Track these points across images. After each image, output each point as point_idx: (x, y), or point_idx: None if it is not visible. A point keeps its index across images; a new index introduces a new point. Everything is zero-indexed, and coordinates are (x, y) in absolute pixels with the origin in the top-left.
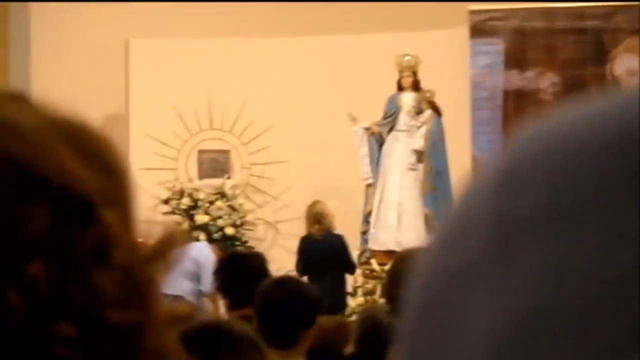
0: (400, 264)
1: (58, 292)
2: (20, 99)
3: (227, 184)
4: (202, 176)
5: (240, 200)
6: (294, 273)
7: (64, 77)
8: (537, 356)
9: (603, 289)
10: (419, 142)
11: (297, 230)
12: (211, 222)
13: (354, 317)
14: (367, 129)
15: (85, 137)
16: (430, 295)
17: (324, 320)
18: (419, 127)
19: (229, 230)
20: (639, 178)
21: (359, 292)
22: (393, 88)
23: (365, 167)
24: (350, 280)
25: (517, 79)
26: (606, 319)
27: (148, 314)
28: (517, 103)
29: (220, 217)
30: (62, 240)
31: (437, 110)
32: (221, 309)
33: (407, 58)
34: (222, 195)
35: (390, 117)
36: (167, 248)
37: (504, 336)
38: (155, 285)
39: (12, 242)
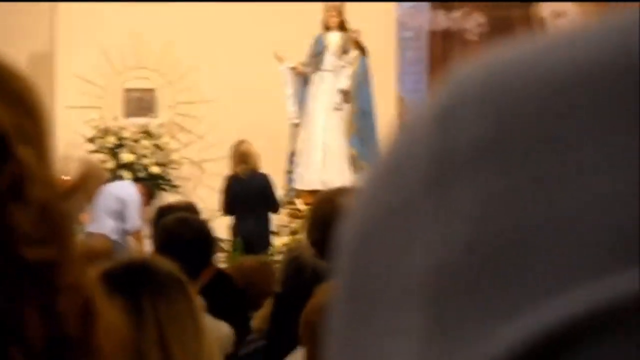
0: (320, 207)
1: None
2: None
3: (153, 123)
4: (127, 115)
5: (165, 139)
6: (218, 212)
7: None
8: (476, 292)
9: (535, 220)
10: (344, 82)
11: (222, 169)
12: (136, 161)
13: (278, 257)
14: (292, 68)
15: (1, 75)
16: (362, 236)
17: (248, 260)
18: (344, 67)
19: (155, 169)
20: (575, 109)
21: (284, 231)
22: (319, 27)
23: (291, 106)
24: (275, 220)
25: (443, 19)
26: (547, 247)
27: (64, 251)
28: (443, 44)
29: (145, 156)
30: None
31: (363, 50)
32: (145, 247)
33: None
34: (147, 134)
35: (316, 56)
36: (84, 185)
37: (440, 274)
38: (72, 222)
39: None
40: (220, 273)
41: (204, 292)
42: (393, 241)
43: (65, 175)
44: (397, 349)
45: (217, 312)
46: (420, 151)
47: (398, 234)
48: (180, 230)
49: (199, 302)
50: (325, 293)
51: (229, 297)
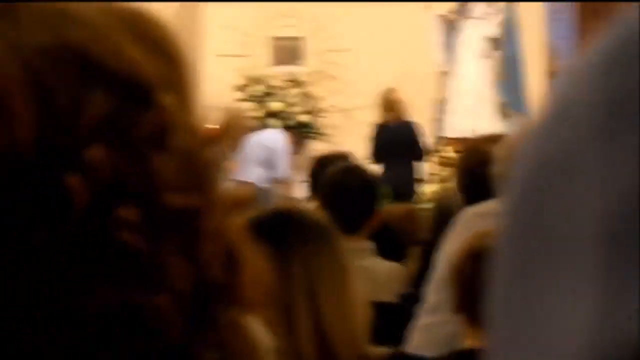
0: (469, 154)
1: (118, 176)
2: None
3: (301, 71)
4: (276, 63)
5: (313, 87)
6: (367, 160)
7: None
8: None
9: None
10: (493, 30)
11: (370, 117)
12: (285, 109)
13: (425, 205)
14: (441, 16)
15: (143, 24)
16: (534, 181)
17: (395, 208)
18: (493, 15)
19: (303, 118)
20: None
21: (433, 179)
22: None
23: (439, 54)
24: (423, 168)
25: None
26: None
27: (208, 198)
28: None
29: (294, 104)
30: (121, 125)
31: None
32: (294, 195)
33: None
34: (296, 82)
35: (465, 4)
36: (229, 133)
37: (612, 218)
38: (216, 169)
39: (73, 127)
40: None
41: (372, 238)
42: (565, 186)
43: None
44: (570, 287)
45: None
46: (590, 97)
47: (570, 180)
48: (347, 180)
49: (367, 245)
50: (473, 239)
51: (385, 241)
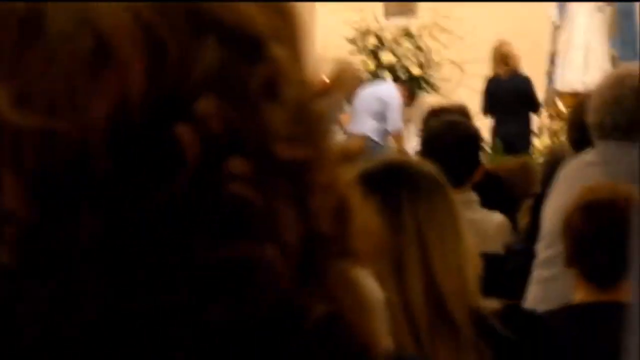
0: (581, 108)
1: (229, 128)
2: None
3: (413, 24)
4: (388, 15)
5: (426, 40)
6: (479, 113)
7: None
8: None
9: None
10: None
11: (483, 70)
12: (397, 62)
13: (538, 158)
14: None
15: None
16: None
17: (508, 161)
18: None
19: (415, 70)
20: None
21: (545, 132)
22: None
23: (552, 8)
24: (535, 121)
25: None
26: None
27: (318, 150)
28: None
29: (406, 57)
30: (232, 77)
31: None
32: (406, 147)
33: None
34: (408, 34)
35: None
36: (341, 86)
37: None
38: (327, 122)
39: (184, 79)
40: (489, 173)
41: (476, 189)
42: None
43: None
44: None
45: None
46: None
47: None
48: (445, 134)
49: (472, 197)
50: (584, 192)
51: (496, 194)
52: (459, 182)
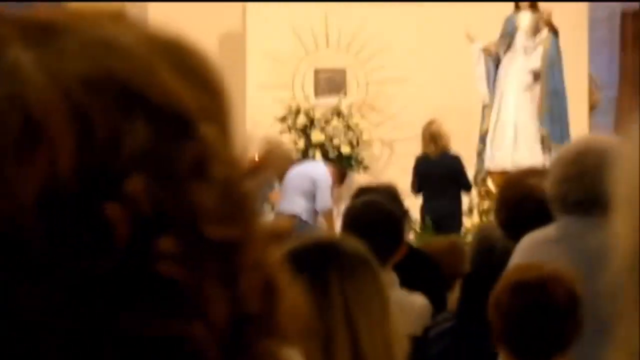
0: (509, 188)
1: (158, 207)
2: (119, 17)
3: (343, 103)
4: (318, 95)
5: (356, 119)
6: (409, 192)
7: None
8: None
9: None
10: (535, 63)
11: (412, 149)
12: (327, 141)
13: (469, 237)
14: (484, 48)
15: (184, 55)
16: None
17: (437, 240)
18: (535, 48)
19: (345, 149)
20: None
21: (475, 212)
22: (510, 8)
23: (482, 87)
24: (465, 200)
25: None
26: None
27: (247, 230)
28: (635, 24)
29: (336, 136)
30: (161, 156)
31: (554, 31)
32: (336, 227)
33: None
34: (338, 113)
35: (508, 37)
36: (271, 164)
37: None
38: (256, 201)
39: (113, 158)
40: (414, 251)
41: (398, 268)
42: None
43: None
44: None
45: (412, 288)
46: None
47: None
48: (364, 214)
49: (392, 278)
50: (513, 272)
51: (425, 273)
52: (380, 261)
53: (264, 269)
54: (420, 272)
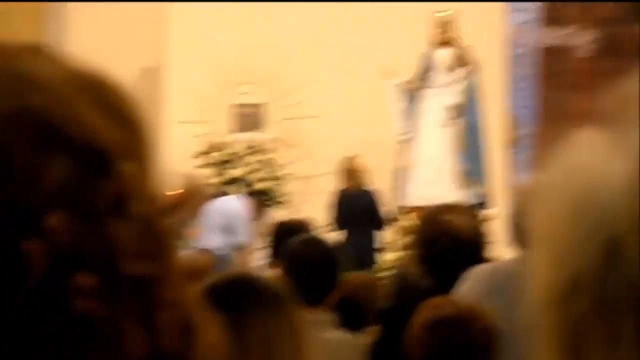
0: (426, 224)
1: (76, 243)
2: (37, 51)
3: (261, 138)
4: (236, 130)
5: (274, 154)
6: (326, 227)
7: (101, 31)
8: None
9: None
10: (453, 99)
11: (330, 185)
12: (244, 176)
13: (383, 273)
14: (401, 84)
15: (103, 90)
16: None
17: (354, 276)
18: (454, 84)
19: (262, 184)
20: None
21: (392, 248)
22: (427, 43)
23: (399, 123)
24: (382, 236)
25: (554, 36)
26: None
27: (166, 266)
28: (553, 60)
29: (254, 171)
30: (80, 192)
31: (472, 67)
32: (253, 262)
33: (442, 14)
34: (255, 149)
35: (425, 73)
36: (189, 200)
37: None
38: (174, 237)
39: (31, 193)
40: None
41: (336, 309)
42: None
43: (170, 190)
44: None
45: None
46: None
47: None
48: (307, 252)
49: (329, 317)
50: (431, 309)
51: (351, 313)
52: (317, 300)
53: (181, 305)
54: (341, 309)
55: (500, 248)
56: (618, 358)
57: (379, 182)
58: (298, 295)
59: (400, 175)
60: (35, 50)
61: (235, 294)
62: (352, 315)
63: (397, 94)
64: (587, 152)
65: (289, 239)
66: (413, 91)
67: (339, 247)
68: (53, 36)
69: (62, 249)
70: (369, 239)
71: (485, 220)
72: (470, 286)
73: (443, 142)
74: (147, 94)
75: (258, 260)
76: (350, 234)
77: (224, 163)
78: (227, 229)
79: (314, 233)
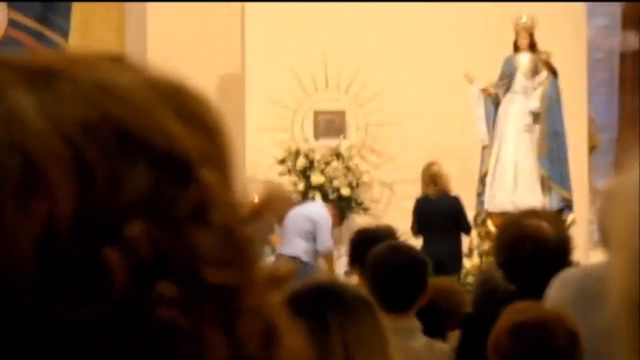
0: (508, 229)
1: (158, 252)
2: (118, 60)
3: (343, 145)
4: (318, 137)
5: (355, 160)
6: (409, 234)
7: (181, 39)
8: None
9: None
10: (535, 104)
11: (412, 191)
12: (327, 183)
13: (469, 279)
14: (483, 90)
15: (184, 99)
16: None
17: (437, 282)
18: (535, 89)
19: (345, 191)
20: None
21: (475, 253)
22: (510, 49)
23: (481, 128)
24: (466, 242)
25: (635, 41)
26: None
27: (247, 275)
28: (634, 65)
29: (336, 178)
30: (161, 201)
31: (553, 72)
32: (337, 269)
33: (523, 19)
34: (337, 155)
35: (507, 78)
36: (271, 207)
37: None
38: (256, 245)
39: (112, 203)
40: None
41: (420, 314)
42: None
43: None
44: None
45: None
46: None
47: None
48: (393, 259)
49: (414, 324)
50: (514, 314)
51: (431, 318)
52: (404, 307)
53: (263, 313)
54: (424, 315)
55: (582, 252)
56: None
57: (461, 188)
58: (385, 302)
59: (483, 180)
60: (115, 59)
61: (319, 301)
62: (435, 321)
63: (479, 99)
64: None
65: (369, 246)
66: (495, 96)
67: (422, 251)
68: (133, 45)
69: (144, 259)
70: (452, 245)
71: (568, 224)
72: (559, 291)
73: (525, 147)
74: (228, 102)
75: (340, 267)
76: (432, 240)
77: (305, 170)
78: (309, 235)
79: (398, 240)
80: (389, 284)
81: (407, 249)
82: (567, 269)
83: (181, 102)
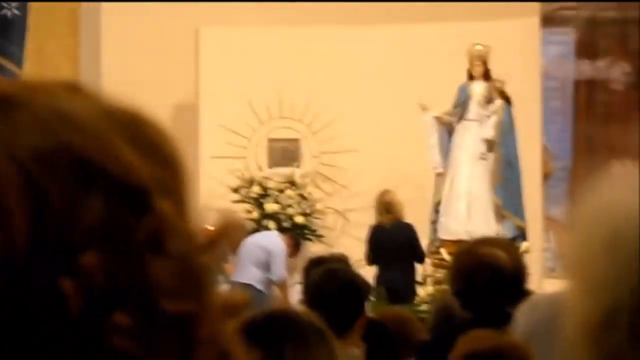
0: (463, 257)
1: (113, 281)
2: (74, 89)
3: (297, 173)
4: (272, 165)
5: (309, 189)
6: (363, 261)
7: (134, 67)
8: None
9: None
10: (489, 132)
11: (366, 219)
12: (281, 211)
13: (423, 307)
14: (437, 118)
15: (140, 127)
16: None
17: (391, 310)
18: (489, 117)
19: (299, 219)
20: None
21: (429, 281)
22: (463, 77)
23: (435, 156)
24: (419, 270)
25: (589, 69)
26: None
27: (203, 304)
28: (588, 93)
29: (290, 206)
30: (117, 230)
31: (507, 100)
32: (290, 297)
33: (477, 47)
34: (292, 183)
35: (460, 106)
36: (226, 236)
37: None
38: (212, 274)
39: (68, 232)
40: (372, 322)
41: (372, 342)
42: None
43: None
44: None
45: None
46: None
47: None
48: (328, 284)
49: (355, 352)
50: (470, 342)
51: (383, 345)
52: (340, 332)
53: (219, 342)
54: (375, 342)
55: (536, 281)
56: None
57: (415, 216)
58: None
59: (437, 208)
60: (71, 88)
61: (273, 331)
62: (387, 348)
63: (433, 127)
64: (622, 185)
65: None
66: (448, 124)
67: (365, 281)
68: (88, 73)
69: (98, 288)
70: (406, 273)
71: (522, 253)
72: (529, 315)
73: (479, 175)
74: (181, 130)
75: (294, 295)
76: (386, 268)
77: (260, 198)
78: (264, 264)
79: (338, 265)
80: (324, 309)
81: (344, 274)
82: (534, 295)
83: (137, 131)
